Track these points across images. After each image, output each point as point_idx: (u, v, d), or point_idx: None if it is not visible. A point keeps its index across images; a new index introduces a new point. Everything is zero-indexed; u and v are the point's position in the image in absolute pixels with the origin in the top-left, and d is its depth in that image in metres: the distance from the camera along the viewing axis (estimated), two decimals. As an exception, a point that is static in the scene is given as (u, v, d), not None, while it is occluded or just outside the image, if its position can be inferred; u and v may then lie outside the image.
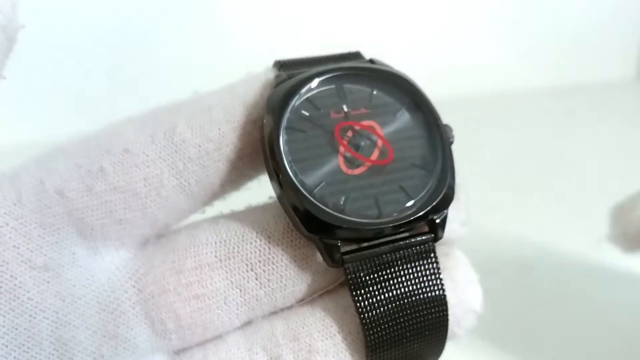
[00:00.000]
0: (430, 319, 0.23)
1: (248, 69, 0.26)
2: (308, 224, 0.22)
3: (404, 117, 0.24)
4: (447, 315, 0.23)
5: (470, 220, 0.27)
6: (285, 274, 0.23)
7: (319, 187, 0.22)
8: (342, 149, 0.23)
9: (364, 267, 0.22)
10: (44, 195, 0.21)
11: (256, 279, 0.22)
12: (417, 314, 0.23)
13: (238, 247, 0.22)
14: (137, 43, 0.76)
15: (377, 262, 0.22)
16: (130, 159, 0.21)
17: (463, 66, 0.94)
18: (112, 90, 0.73)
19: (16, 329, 0.20)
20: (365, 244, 0.22)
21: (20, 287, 0.20)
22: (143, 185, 0.22)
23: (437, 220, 0.23)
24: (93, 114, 0.68)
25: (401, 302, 0.22)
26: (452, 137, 0.24)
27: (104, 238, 0.22)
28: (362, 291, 0.22)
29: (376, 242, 0.22)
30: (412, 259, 0.23)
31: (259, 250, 0.22)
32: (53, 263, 0.21)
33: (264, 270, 0.22)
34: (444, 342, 0.24)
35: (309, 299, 0.24)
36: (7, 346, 0.20)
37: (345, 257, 0.22)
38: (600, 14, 0.97)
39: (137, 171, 0.21)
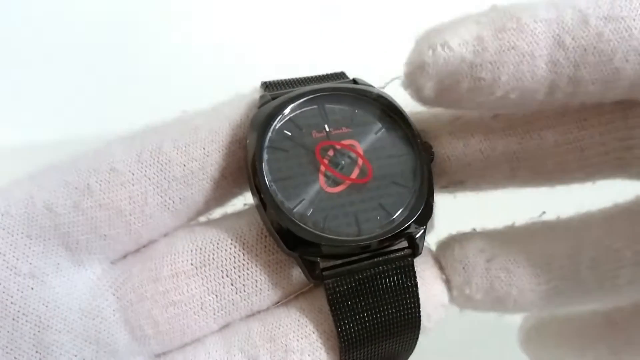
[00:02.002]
0: (404, 329, 0.24)
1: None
2: (288, 241, 0.22)
3: (384, 136, 0.25)
4: (419, 322, 0.24)
5: (470, 220, 0.28)
6: (260, 279, 0.23)
7: (299, 206, 0.23)
8: (322, 167, 0.24)
9: (343, 283, 0.23)
10: (33, 208, 0.22)
11: (232, 285, 0.23)
12: (393, 328, 0.23)
13: (213, 254, 0.23)
14: (138, 43, 0.76)
15: (356, 278, 0.23)
16: (116, 177, 0.22)
17: None
18: (112, 91, 0.74)
19: None
20: (344, 260, 0.23)
21: (4, 292, 0.21)
22: (128, 203, 0.23)
23: (416, 236, 0.24)
24: (92, 115, 0.69)
25: (378, 318, 0.23)
26: (432, 154, 0.25)
27: (88, 252, 0.23)
28: (341, 306, 0.23)
29: (355, 258, 0.23)
30: (390, 274, 0.23)
31: (234, 256, 0.23)
32: (38, 271, 0.22)
33: (239, 276, 0.23)
34: (416, 340, 0.25)
35: (284, 301, 0.25)
36: None
37: (324, 273, 0.23)
38: None
39: (122, 189, 0.22)
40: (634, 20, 0.22)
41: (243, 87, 0.27)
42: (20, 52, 0.68)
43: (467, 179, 0.27)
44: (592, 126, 0.26)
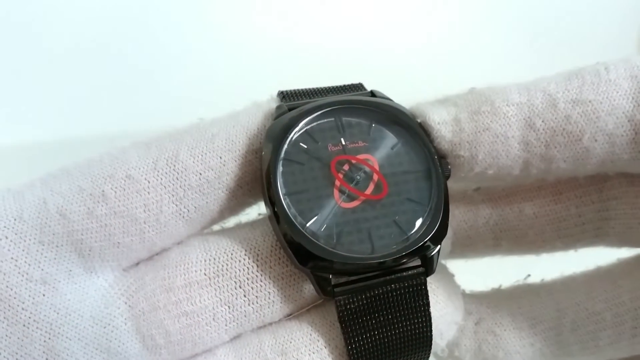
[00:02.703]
0: (416, 348, 0.24)
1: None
2: (300, 256, 0.22)
3: (400, 151, 0.25)
4: (430, 342, 0.24)
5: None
6: (273, 291, 0.23)
7: (312, 220, 0.23)
8: (337, 182, 0.23)
9: (355, 300, 0.23)
10: (46, 214, 0.22)
11: (244, 296, 0.23)
12: (404, 347, 0.23)
13: (227, 264, 0.23)
14: (138, 43, 0.76)
15: (368, 295, 0.23)
16: (132, 184, 0.22)
17: (460, 68, 0.94)
18: (113, 91, 0.73)
19: (9, 337, 0.21)
20: (356, 277, 0.23)
21: (15, 298, 0.21)
22: (143, 211, 0.22)
23: (430, 255, 0.23)
24: (93, 116, 0.68)
25: (389, 337, 0.23)
26: (448, 171, 0.25)
27: (101, 259, 0.22)
28: (351, 324, 0.23)
29: (368, 275, 0.23)
30: (403, 292, 0.23)
31: (247, 268, 0.23)
32: (50, 277, 0.22)
33: (252, 288, 0.23)
34: (427, 358, 0.25)
35: (296, 314, 0.24)
36: None
37: (336, 289, 0.22)
38: (599, 14, 0.97)
39: (137, 197, 0.22)
40: (601, 103, 0.24)
41: (241, 85, 0.26)
42: (21, 53, 0.67)
43: (453, 248, 0.28)
44: (568, 199, 0.27)
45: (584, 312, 0.27)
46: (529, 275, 0.30)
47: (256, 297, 0.23)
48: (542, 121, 0.24)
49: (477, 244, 0.28)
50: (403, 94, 0.27)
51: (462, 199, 0.28)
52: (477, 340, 0.27)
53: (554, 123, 0.24)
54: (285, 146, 0.23)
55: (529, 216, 0.27)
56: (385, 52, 0.84)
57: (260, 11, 0.79)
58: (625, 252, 0.29)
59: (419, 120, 0.25)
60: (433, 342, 0.24)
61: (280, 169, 0.23)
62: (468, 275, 0.28)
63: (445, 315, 0.25)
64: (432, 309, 0.24)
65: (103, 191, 0.22)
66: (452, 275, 0.27)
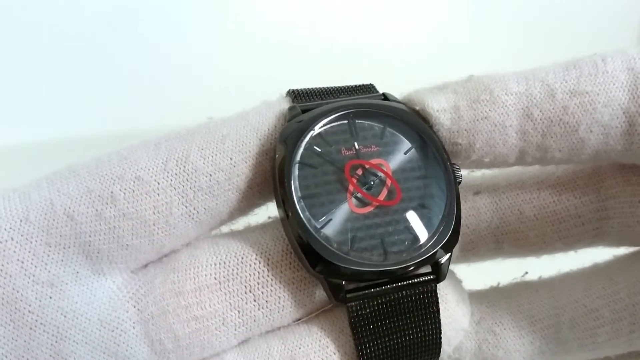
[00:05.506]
0: (425, 353, 0.24)
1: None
2: (313, 262, 0.22)
3: (413, 157, 0.24)
4: (439, 348, 0.24)
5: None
6: (283, 296, 0.23)
7: (326, 225, 0.22)
8: (351, 187, 0.23)
9: (366, 306, 0.22)
10: (53, 216, 0.21)
11: (254, 301, 0.23)
12: (414, 353, 0.23)
13: (237, 268, 0.23)
14: (141, 39, 0.75)
15: (379, 301, 0.23)
16: (142, 186, 0.22)
17: (459, 68, 0.94)
18: (112, 91, 0.73)
19: (15, 340, 0.20)
20: (368, 283, 0.23)
21: (21, 300, 0.20)
22: (152, 212, 0.22)
23: (441, 262, 0.23)
24: (93, 115, 0.68)
25: (399, 343, 0.23)
26: (460, 177, 0.25)
27: (109, 261, 0.22)
28: (363, 330, 0.22)
29: (380, 281, 0.23)
30: (413, 299, 0.23)
31: (258, 272, 0.23)
32: (57, 280, 0.21)
33: (262, 292, 0.23)
34: None
35: (305, 318, 0.24)
36: (5, 357, 0.20)
37: (348, 295, 0.22)
38: (599, 13, 0.97)
39: (147, 199, 0.22)
40: (598, 94, 0.24)
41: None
42: (21, 53, 0.67)
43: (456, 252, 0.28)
44: (567, 200, 0.27)
45: (582, 309, 0.27)
46: (526, 273, 0.30)
47: (266, 301, 0.23)
48: (540, 111, 0.24)
49: (479, 248, 0.28)
50: (401, 87, 0.27)
51: (463, 203, 0.28)
52: (478, 340, 0.27)
53: (552, 113, 0.24)
54: (299, 150, 0.23)
55: (530, 218, 0.27)
56: (383, 45, 0.83)
57: (265, 7, 0.78)
58: (621, 249, 0.29)
59: (417, 108, 0.25)
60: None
61: (295, 172, 0.23)
62: (466, 274, 0.28)
63: (453, 322, 0.25)
64: (441, 316, 0.23)
65: (112, 192, 0.22)
66: (460, 281, 0.27)
